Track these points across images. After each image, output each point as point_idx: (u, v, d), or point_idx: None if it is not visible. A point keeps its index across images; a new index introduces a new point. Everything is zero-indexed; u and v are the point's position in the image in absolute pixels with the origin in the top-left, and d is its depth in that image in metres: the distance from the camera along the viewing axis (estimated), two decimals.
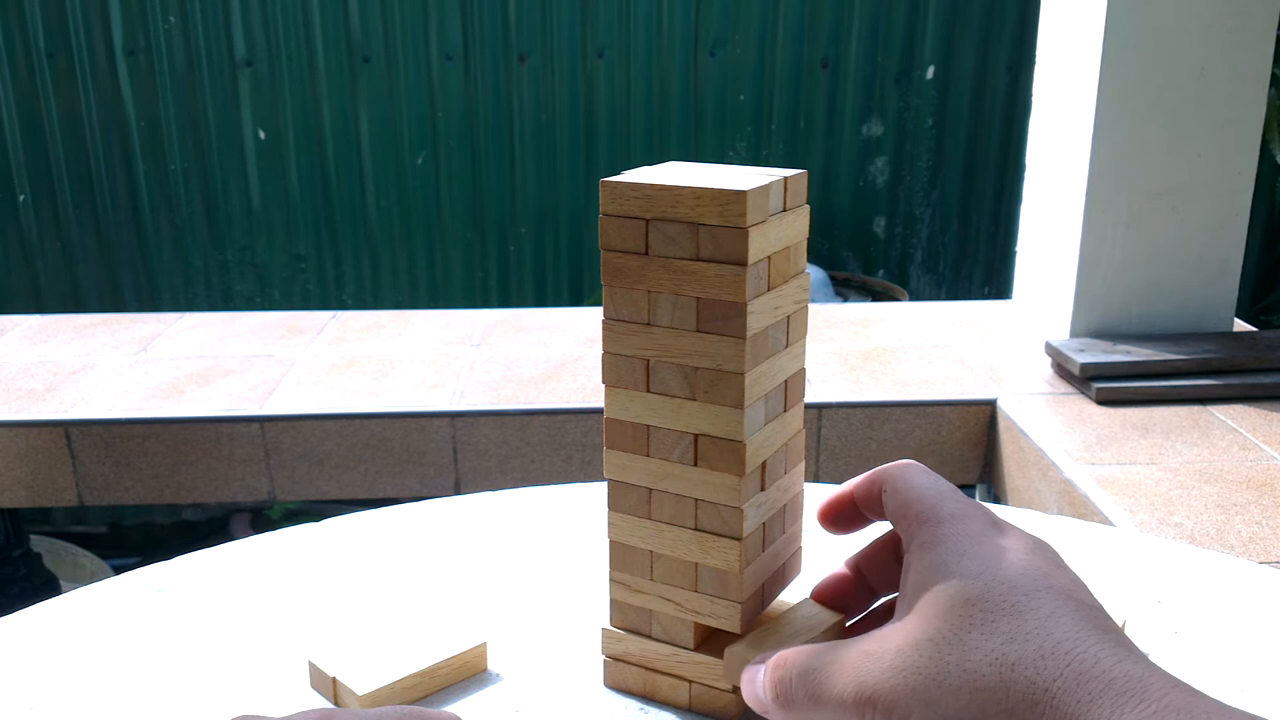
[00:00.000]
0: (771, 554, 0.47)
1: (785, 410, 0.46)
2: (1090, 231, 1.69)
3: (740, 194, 0.40)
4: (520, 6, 2.69)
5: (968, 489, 1.71)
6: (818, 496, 0.55)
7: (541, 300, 2.92)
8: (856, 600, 0.46)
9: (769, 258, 0.42)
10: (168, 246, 2.82)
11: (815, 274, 2.70)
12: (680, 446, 0.44)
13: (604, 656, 0.49)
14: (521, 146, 2.80)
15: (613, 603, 0.48)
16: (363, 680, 0.47)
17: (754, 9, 2.73)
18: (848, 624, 0.47)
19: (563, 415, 1.61)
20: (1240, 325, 1.83)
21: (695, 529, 0.45)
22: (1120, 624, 0.50)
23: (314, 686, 0.49)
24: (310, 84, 2.72)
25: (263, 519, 2.80)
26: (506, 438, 1.61)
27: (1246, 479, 1.35)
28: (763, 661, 0.41)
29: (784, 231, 0.43)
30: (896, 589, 0.45)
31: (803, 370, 0.47)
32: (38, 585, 2.08)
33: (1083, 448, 1.44)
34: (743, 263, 0.41)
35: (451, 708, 0.48)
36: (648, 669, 0.47)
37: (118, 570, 2.46)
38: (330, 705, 0.48)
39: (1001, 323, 1.96)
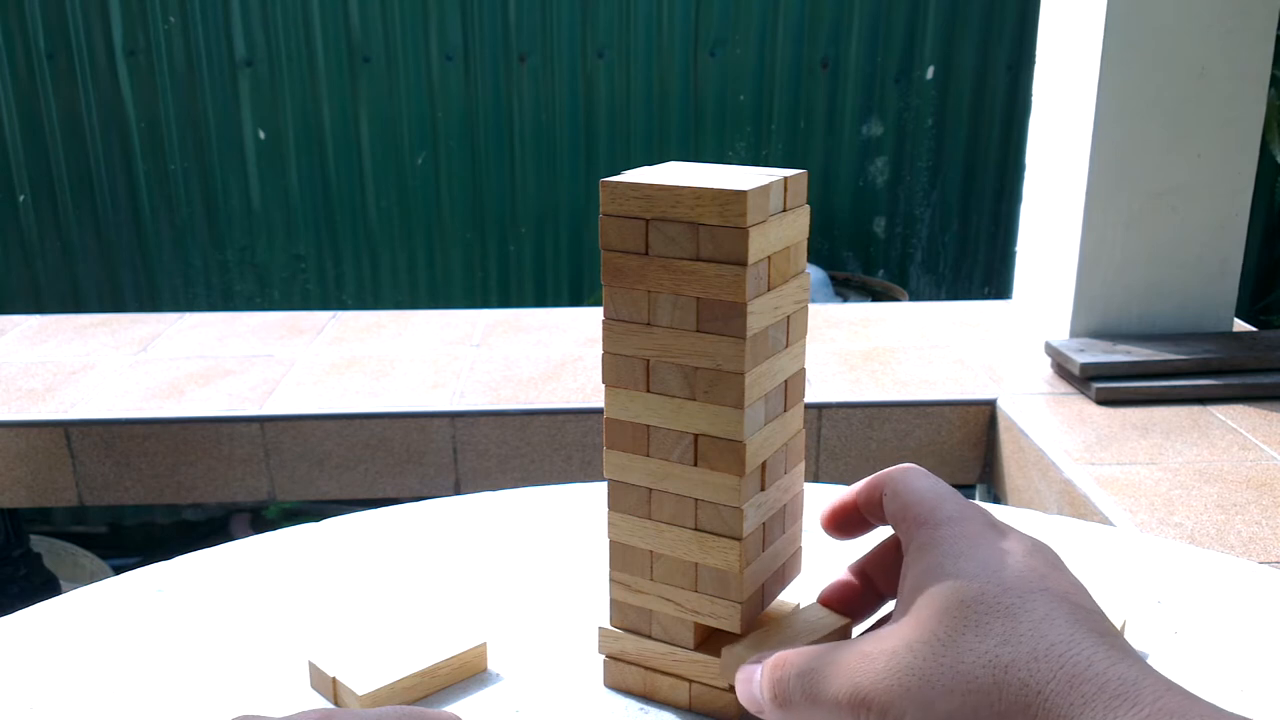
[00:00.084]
0: (771, 554, 0.47)
1: (785, 410, 0.46)
2: (1090, 231, 1.69)
3: (740, 194, 0.40)
4: (520, 6, 2.69)
5: (968, 489, 1.71)
6: (818, 497, 0.55)
7: (541, 300, 2.92)
8: (864, 604, 0.46)
9: (769, 258, 0.42)
10: (168, 246, 2.82)
11: (815, 274, 2.70)
12: (680, 446, 0.44)
13: (604, 656, 0.49)
14: (521, 146, 2.80)
15: (613, 603, 0.48)
16: (363, 680, 0.47)
17: (754, 9, 2.73)
18: (857, 629, 0.47)
19: (563, 415, 1.61)
20: (1240, 325, 1.83)
21: (695, 529, 0.45)
22: (1120, 624, 0.50)
23: (314, 686, 0.49)
24: (310, 84, 2.72)
25: (263, 519, 2.80)
26: (506, 438, 1.61)
27: (1246, 479, 1.35)
28: (758, 661, 0.41)
29: (784, 231, 0.43)
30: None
31: (803, 370, 0.47)
32: (38, 585, 2.09)
33: (1083, 448, 1.44)
34: (743, 263, 0.41)
35: (451, 708, 0.48)
36: (647, 669, 0.47)
37: (118, 570, 2.46)
38: (330, 705, 0.48)
39: (1001, 323, 1.96)
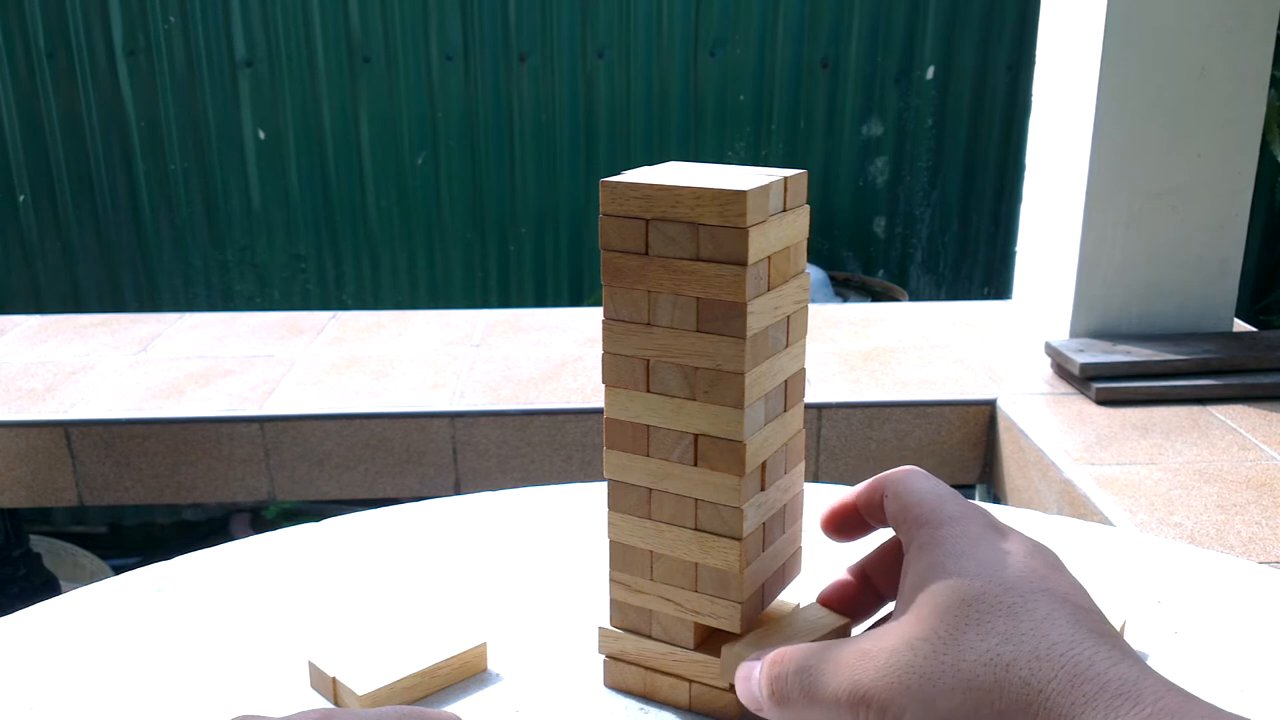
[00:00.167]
0: (771, 554, 0.47)
1: (785, 410, 0.46)
2: (1090, 231, 1.69)
3: (740, 194, 0.40)
4: (520, 6, 2.69)
5: (967, 489, 1.71)
6: (818, 497, 0.55)
7: (541, 300, 2.92)
8: (863, 605, 0.46)
9: (769, 258, 0.42)
10: (168, 246, 2.82)
11: (815, 274, 2.70)
12: (680, 446, 0.44)
13: (604, 656, 0.49)
14: (521, 146, 2.80)
15: (613, 603, 0.48)
16: (363, 680, 0.47)
17: (754, 9, 2.73)
18: (856, 630, 0.47)
19: (563, 415, 1.61)
20: (1240, 325, 1.83)
21: (695, 529, 0.45)
22: (1120, 624, 0.50)
23: (314, 686, 0.49)
24: (310, 84, 2.72)
25: (263, 519, 2.80)
26: (506, 438, 1.61)
27: (1246, 479, 1.35)
28: (758, 658, 0.41)
29: (784, 231, 0.43)
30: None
31: (803, 370, 0.47)
32: (38, 585, 2.09)
33: (1082, 448, 1.44)
34: (743, 263, 0.41)
35: (451, 708, 0.48)
36: (647, 669, 0.47)
37: (118, 570, 2.46)
38: (330, 705, 0.48)
39: (1001, 323, 1.96)
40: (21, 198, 2.77)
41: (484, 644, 0.50)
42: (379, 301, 2.89)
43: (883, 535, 0.46)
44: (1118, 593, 0.57)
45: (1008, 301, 2.03)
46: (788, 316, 0.45)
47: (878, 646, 0.37)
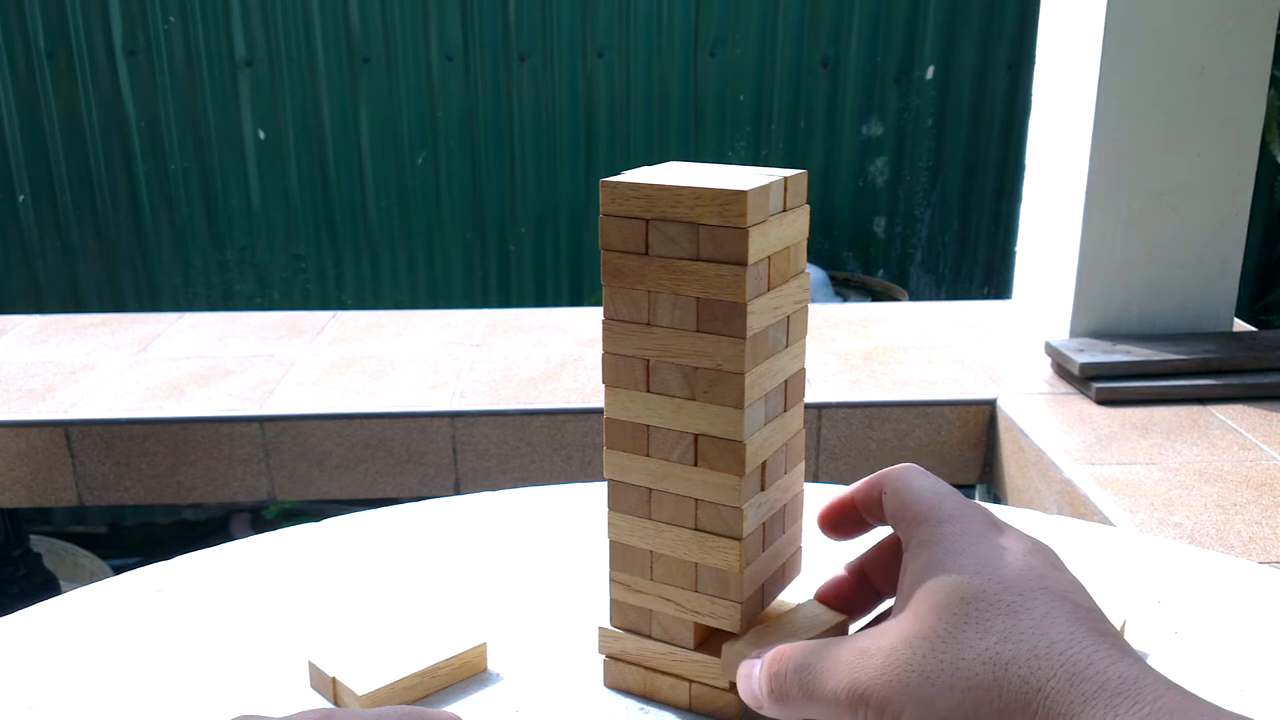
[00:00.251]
0: (771, 554, 0.47)
1: (785, 410, 0.46)
2: (1090, 231, 1.69)
3: (740, 194, 0.40)
4: (520, 6, 2.69)
5: (967, 489, 1.71)
6: (818, 497, 0.55)
7: (541, 300, 2.92)
8: (861, 602, 0.46)
9: (769, 258, 0.42)
10: (168, 246, 2.82)
11: (815, 274, 2.70)
12: (680, 446, 0.44)
13: (604, 656, 0.49)
14: (521, 146, 2.80)
15: (613, 603, 0.48)
16: (363, 680, 0.47)
17: (754, 9, 2.73)
18: (854, 626, 0.47)
19: (563, 415, 1.61)
20: (1240, 325, 1.83)
21: (695, 529, 0.45)
22: (1120, 624, 0.50)
23: (314, 686, 0.49)
24: (310, 84, 2.72)
25: (263, 519, 2.80)
26: (506, 438, 1.61)
27: (1246, 479, 1.35)
28: (759, 656, 0.41)
29: (784, 231, 0.43)
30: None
31: (803, 370, 0.47)
32: (38, 585, 2.09)
33: (1082, 448, 1.44)
34: (743, 263, 0.41)
35: (451, 708, 0.48)
36: (647, 669, 0.47)
37: (118, 570, 2.46)
38: (330, 705, 0.48)
39: (1001, 323, 1.96)
40: (21, 198, 2.77)
41: (484, 644, 0.50)
42: (379, 301, 2.89)
43: (880, 533, 0.46)
44: (1118, 593, 0.57)
45: (1008, 301, 2.03)
46: (788, 316, 0.45)
47: (876, 645, 0.37)
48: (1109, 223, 1.69)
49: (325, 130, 2.75)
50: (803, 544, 0.50)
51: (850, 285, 2.81)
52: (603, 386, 0.45)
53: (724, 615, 0.45)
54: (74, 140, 2.74)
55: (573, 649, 0.52)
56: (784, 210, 0.43)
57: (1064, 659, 0.33)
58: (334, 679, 0.48)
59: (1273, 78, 1.94)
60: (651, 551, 0.46)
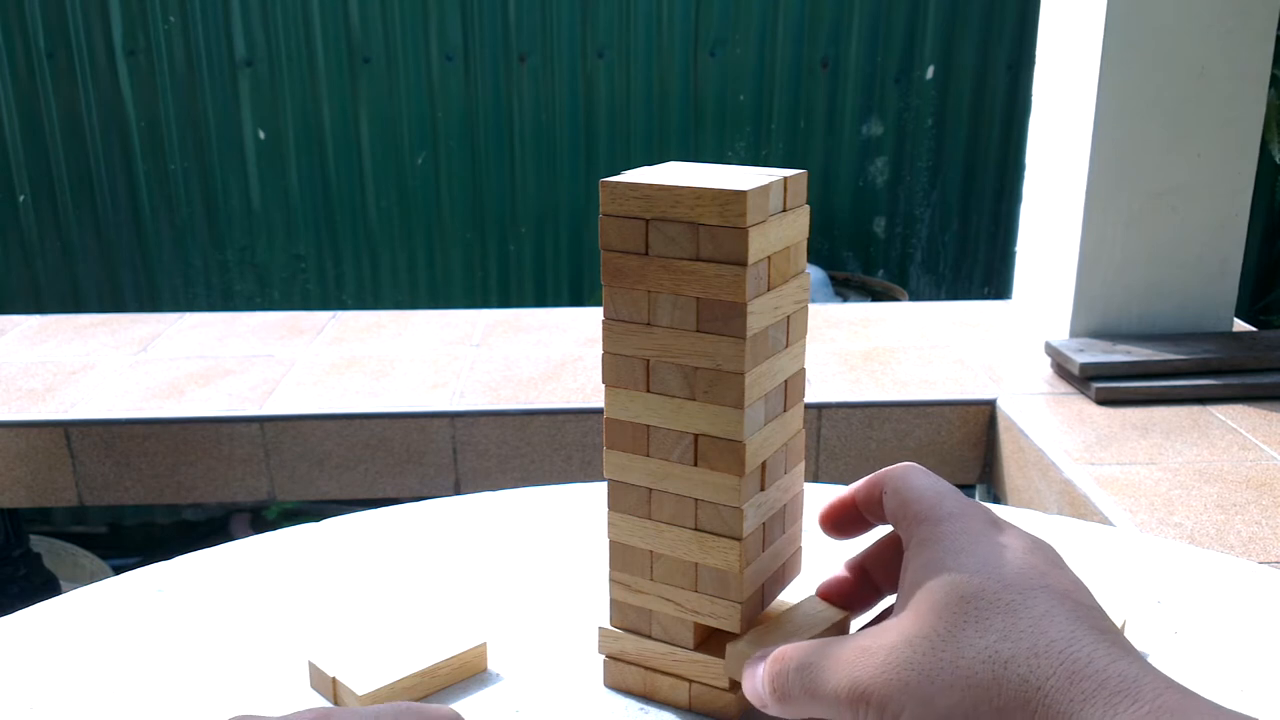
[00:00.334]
0: (771, 554, 0.47)
1: (785, 410, 0.46)
2: (1090, 231, 1.69)
3: (740, 194, 0.40)
4: (520, 6, 2.69)
5: (967, 489, 1.71)
6: (817, 497, 0.55)
7: (541, 300, 2.92)
8: (861, 599, 0.47)
9: (769, 258, 0.42)
10: (168, 246, 2.82)
11: (815, 274, 2.70)
12: (680, 446, 0.44)
13: (604, 656, 0.49)
14: (521, 146, 2.80)
15: (613, 603, 0.48)
16: (363, 680, 0.47)
17: (754, 9, 2.73)
18: (855, 623, 0.47)
19: (563, 415, 1.61)
20: (1240, 325, 1.83)
21: (695, 529, 0.45)
22: (1120, 624, 0.50)
23: (314, 686, 0.49)
24: (310, 84, 2.72)
25: (263, 519, 2.80)
26: (506, 438, 1.61)
27: (1246, 479, 1.35)
28: (764, 657, 0.41)
29: (784, 231, 0.43)
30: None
31: (803, 370, 0.47)
32: (38, 585, 2.09)
33: (1082, 448, 1.44)
34: (743, 263, 0.41)
35: (451, 708, 0.48)
36: (647, 669, 0.47)
37: (118, 570, 2.45)
38: (330, 705, 0.48)
39: (1001, 323, 1.96)
40: (21, 198, 2.77)
41: (484, 644, 0.50)
42: (379, 301, 2.89)
43: (881, 531, 0.46)
44: (1118, 593, 0.57)
45: (1008, 301, 2.03)
46: (788, 316, 0.45)
47: (877, 643, 0.37)
48: (1109, 223, 1.69)
49: (325, 130, 2.75)
50: (803, 544, 0.50)
51: (850, 285, 2.81)
52: (603, 386, 0.45)
53: (724, 615, 0.45)
54: (74, 140, 2.74)
55: (573, 649, 0.52)
56: (784, 210, 0.43)
57: (1063, 657, 0.33)
58: (334, 679, 0.48)
59: (1272, 78, 1.94)
60: (651, 551, 0.46)
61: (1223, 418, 1.53)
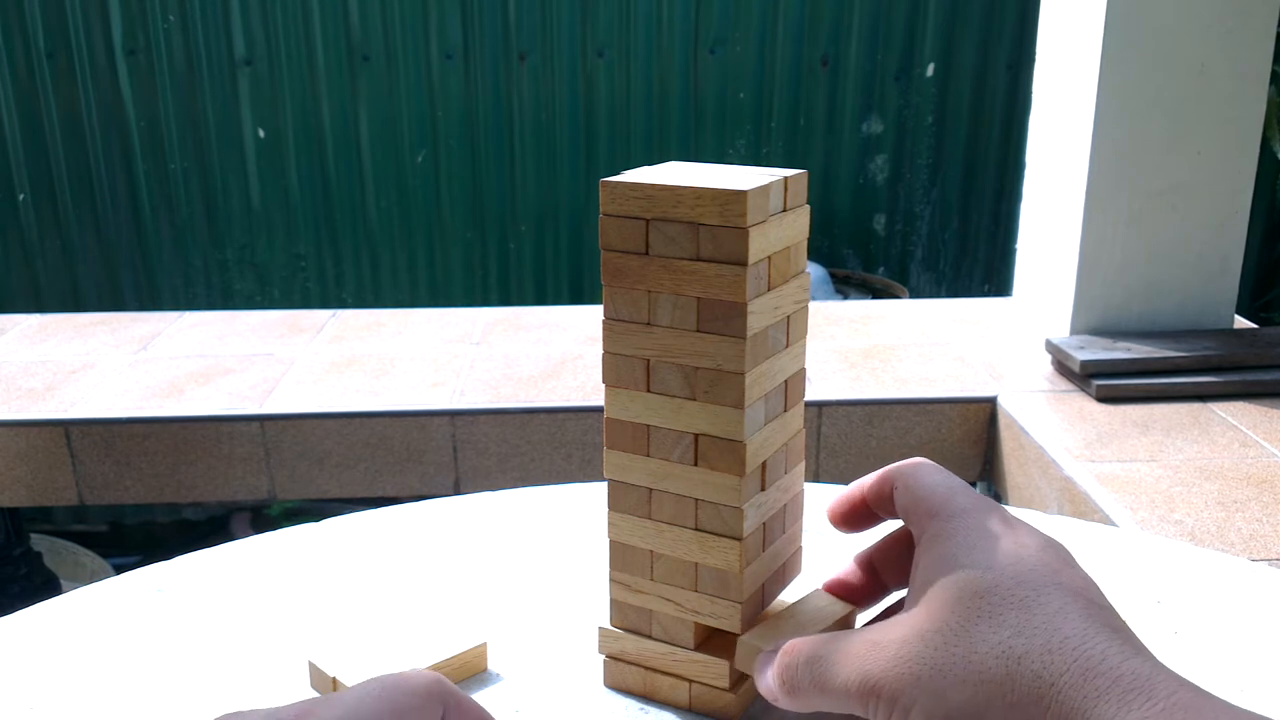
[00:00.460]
0: (771, 554, 0.47)
1: (785, 410, 0.46)
2: (1090, 229, 1.69)
3: (740, 194, 0.40)
4: (520, 5, 2.69)
5: None
6: (817, 496, 0.55)
7: (542, 299, 2.92)
8: (868, 593, 0.47)
9: (769, 258, 0.42)
10: (168, 246, 2.82)
11: (815, 271, 2.70)
12: (680, 446, 0.44)
13: (604, 656, 0.49)
14: (521, 145, 2.80)
15: (613, 603, 0.48)
16: (362, 680, 0.47)
17: (754, 7, 2.73)
18: (861, 617, 0.47)
19: (563, 414, 1.61)
20: (1240, 322, 1.83)
21: (695, 529, 0.45)
22: None
23: (314, 686, 0.49)
24: (310, 83, 2.72)
25: (263, 518, 2.80)
26: (506, 436, 1.61)
27: (1247, 476, 1.35)
28: (774, 651, 0.41)
29: (784, 231, 0.43)
30: (908, 583, 0.45)
31: (803, 370, 0.47)
32: (38, 584, 2.09)
33: (1083, 445, 1.44)
34: (743, 263, 0.41)
35: (434, 672, 0.48)
36: (647, 669, 0.47)
37: (118, 569, 2.46)
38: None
39: (1002, 320, 1.96)
40: (21, 197, 2.77)
41: (484, 644, 0.50)
42: (379, 300, 2.89)
43: (889, 526, 0.46)
44: (1118, 592, 0.57)
45: (1008, 299, 2.03)
46: (788, 316, 0.45)
47: (888, 637, 0.37)
48: (1109, 221, 1.69)
49: (325, 129, 2.75)
50: (803, 544, 0.50)
51: (850, 283, 2.81)
52: (603, 384, 0.45)
53: (724, 615, 0.45)
54: (74, 140, 2.74)
55: (573, 649, 0.52)
56: (784, 210, 0.43)
57: (1077, 654, 0.33)
58: (334, 679, 0.48)
59: (1273, 75, 1.94)
60: (651, 551, 0.46)
61: (1223, 415, 1.53)
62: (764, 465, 0.45)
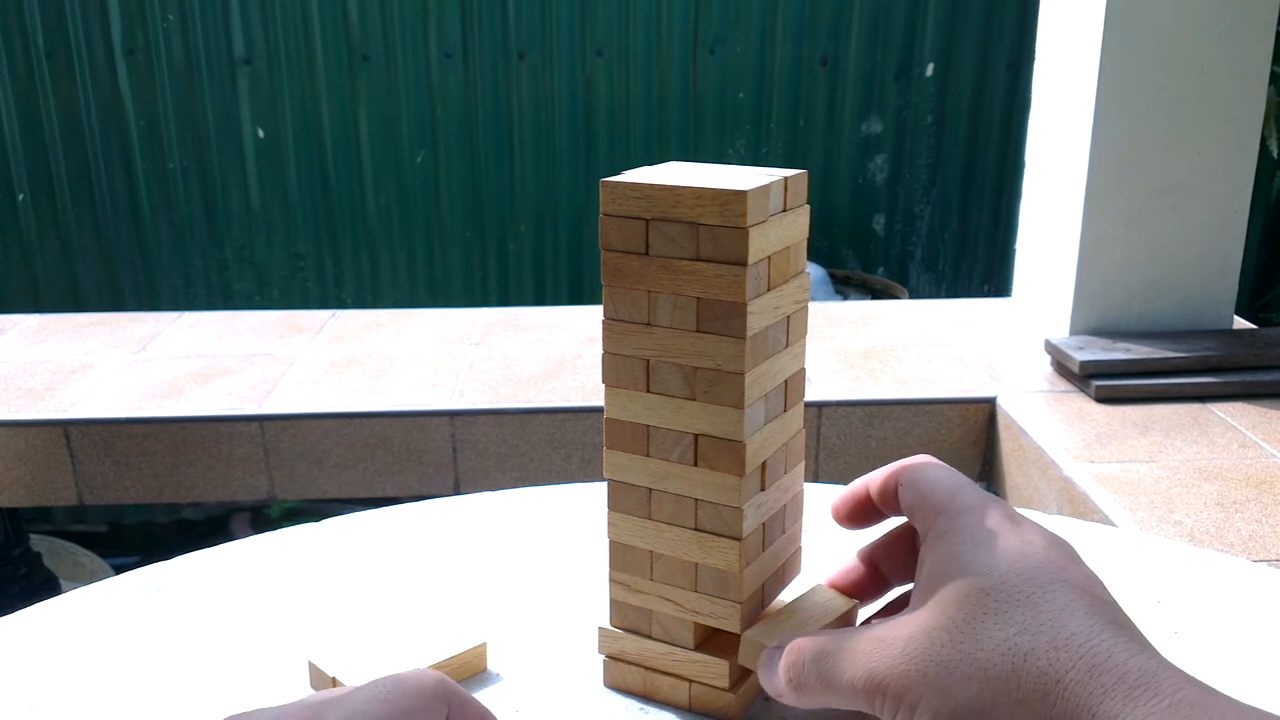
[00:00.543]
0: (771, 554, 0.47)
1: (785, 410, 0.46)
2: (1090, 229, 1.69)
3: (740, 194, 0.40)
4: (519, 5, 2.69)
5: None
6: (817, 496, 0.55)
7: (541, 299, 2.92)
8: (870, 589, 0.47)
9: (769, 258, 0.42)
10: (167, 245, 2.82)
11: (815, 271, 2.70)
12: (680, 446, 0.44)
13: (604, 656, 0.49)
14: (521, 145, 2.80)
15: (612, 603, 0.48)
16: (362, 680, 0.47)
17: (753, 7, 2.73)
18: (862, 612, 0.47)
19: (562, 414, 1.61)
20: (1240, 323, 1.83)
21: (695, 529, 0.45)
22: None
23: (314, 686, 0.49)
24: (309, 82, 2.72)
25: (263, 518, 2.80)
26: (506, 436, 1.61)
27: (1246, 476, 1.35)
28: (779, 647, 0.41)
29: (784, 231, 0.43)
30: (910, 579, 0.45)
31: (803, 370, 0.47)
32: (38, 584, 2.09)
33: (1082, 445, 1.44)
34: (743, 263, 0.41)
35: (436, 671, 0.48)
36: (647, 669, 0.47)
37: (118, 569, 2.46)
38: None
39: (1001, 321, 1.96)
40: (21, 197, 2.77)
41: (484, 644, 0.50)
42: (378, 300, 2.89)
43: (892, 523, 0.46)
44: (1118, 593, 0.57)
45: (1007, 299, 2.03)
46: (788, 316, 0.45)
47: (895, 634, 0.37)
48: (1109, 221, 1.69)
49: (324, 129, 2.75)
50: (802, 544, 0.50)
51: (850, 283, 2.81)
52: (602, 385, 0.45)
53: (724, 615, 0.45)
54: (73, 139, 2.74)
55: (573, 649, 0.52)
56: (784, 210, 0.43)
57: (1083, 651, 0.33)
58: (334, 679, 0.48)
59: (1272, 75, 1.94)
60: (651, 551, 0.46)
61: (1223, 415, 1.53)
62: (764, 465, 0.45)
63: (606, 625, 0.48)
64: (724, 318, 0.42)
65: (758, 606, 0.46)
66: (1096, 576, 0.38)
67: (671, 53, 2.75)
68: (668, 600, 0.46)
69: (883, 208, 2.92)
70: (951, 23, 2.78)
